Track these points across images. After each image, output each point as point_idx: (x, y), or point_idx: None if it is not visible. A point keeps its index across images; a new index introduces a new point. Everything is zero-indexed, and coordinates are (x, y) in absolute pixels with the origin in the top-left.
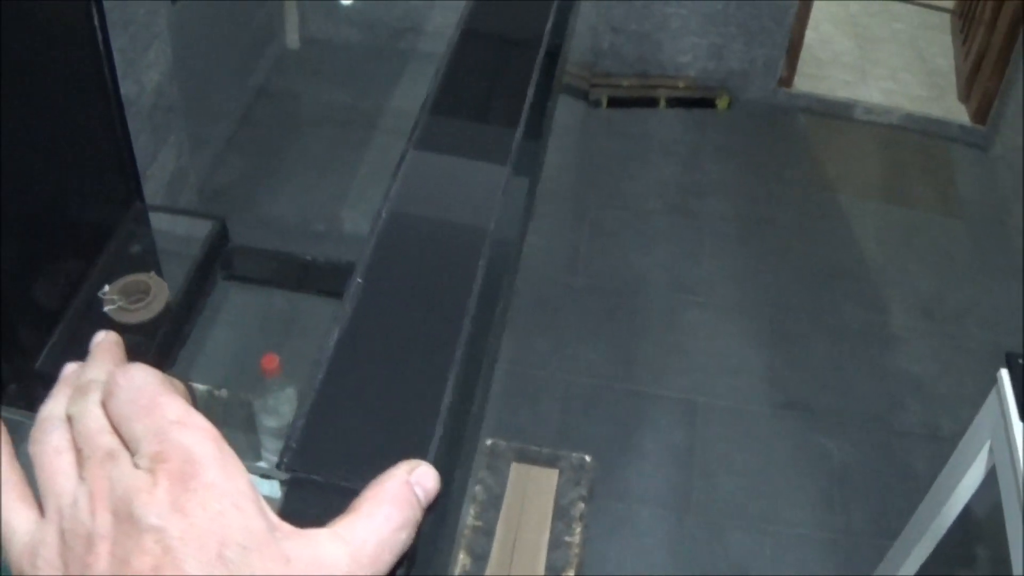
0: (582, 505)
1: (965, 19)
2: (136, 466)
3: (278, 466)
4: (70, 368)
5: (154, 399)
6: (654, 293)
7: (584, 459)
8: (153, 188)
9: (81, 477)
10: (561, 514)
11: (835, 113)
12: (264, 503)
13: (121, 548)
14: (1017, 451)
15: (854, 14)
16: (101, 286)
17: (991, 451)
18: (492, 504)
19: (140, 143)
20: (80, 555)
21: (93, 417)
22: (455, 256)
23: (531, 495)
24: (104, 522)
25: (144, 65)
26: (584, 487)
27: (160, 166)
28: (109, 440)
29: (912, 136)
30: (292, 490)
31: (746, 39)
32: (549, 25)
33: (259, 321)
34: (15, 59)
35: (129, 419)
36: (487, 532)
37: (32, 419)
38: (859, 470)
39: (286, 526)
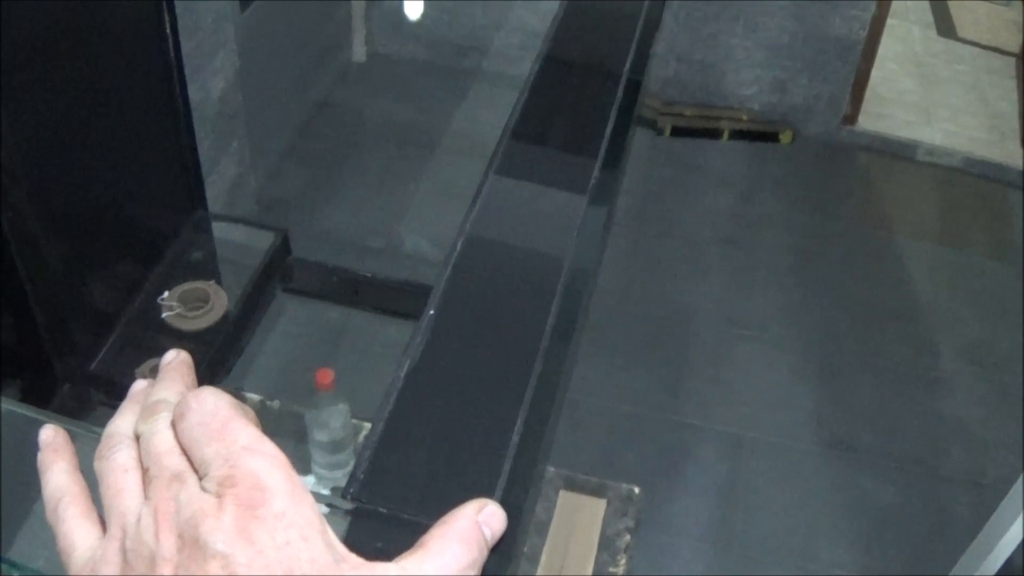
0: (628, 537)
1: None
2: (204, 490)
3: (344, 495)
4: (139, 385)
5: (225, 424)
6: (704, 324)
7: (633, 490)
8: (213, 195)
9: (147, 497)
10: (606, 544)
11: (896, 153)
12: (332, 534)
13: (184, 571)
14: None
15: (918, 53)
16: (160, 292)
17: None
18: (538, 531)
19: (202, 150)
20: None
21: (162, 437)
22: (531, 287)
23: (578, 524)
24: (168, 544)
25: (210, 72)
26: (631, 518)
27: (221, 174)
28: (178, 461)
29: (971, 179)
30: (358, 521)
31: (811, 74)
32: (631, 57)
33: (315, 334)
34: (86, 61)
35: (199, 442)
36: (532, 558)
37: (88, 429)
38: (900, 513)
39: (353, 558)
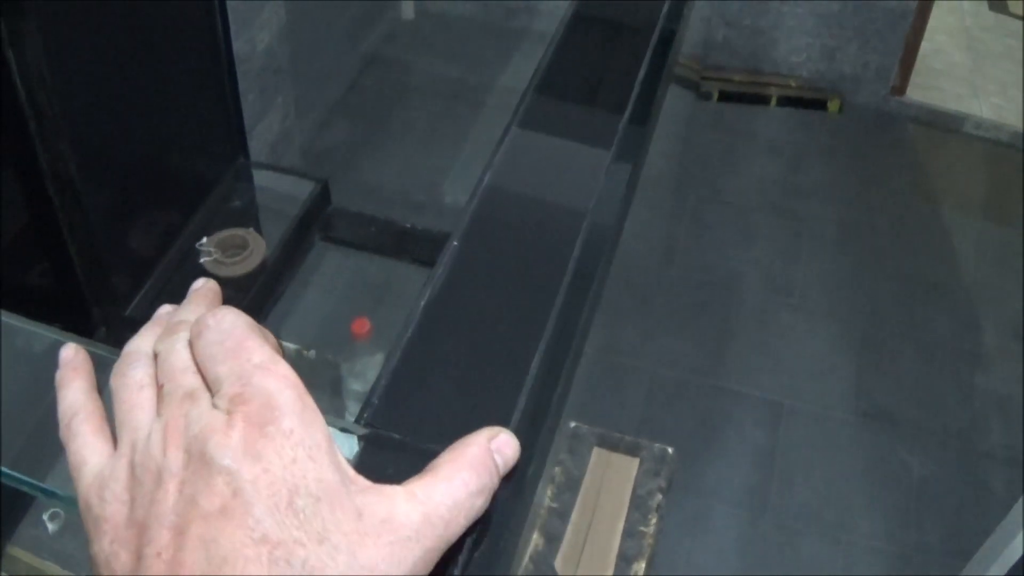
0: (660, 496)
1: None
2: (215, 407)
3: (357, 420)
4: (164, 309)
5: (241, 342)
6: (747, 291)
7: (667, 450)
8: (258, 147)
9: (159, 413)
10: (638, 504)
11: (944, 125)
12: (340, 455)
13: (191, 487)
14: None
15: (969, 27)
16: (199, 238)
17: None
18: (570, 487)
19: (248, 102)
20: (148, 490)
21: (179, 356)
22: (551, 234)
23: (610, 482)
24: (176, 460)
25: (257, 25)
26: (663, 478)
27: (267, 126)
28: (192, 379)
29: (1019, 154)
30: (369, 445)
31: (860, 43)
32: (665, 10)
33: (353, 285)
34: (131, 7)
35: (214, 359)
36: (562, 514)
37: (117, 356)
38: (937, 486)
39: (361, 480)
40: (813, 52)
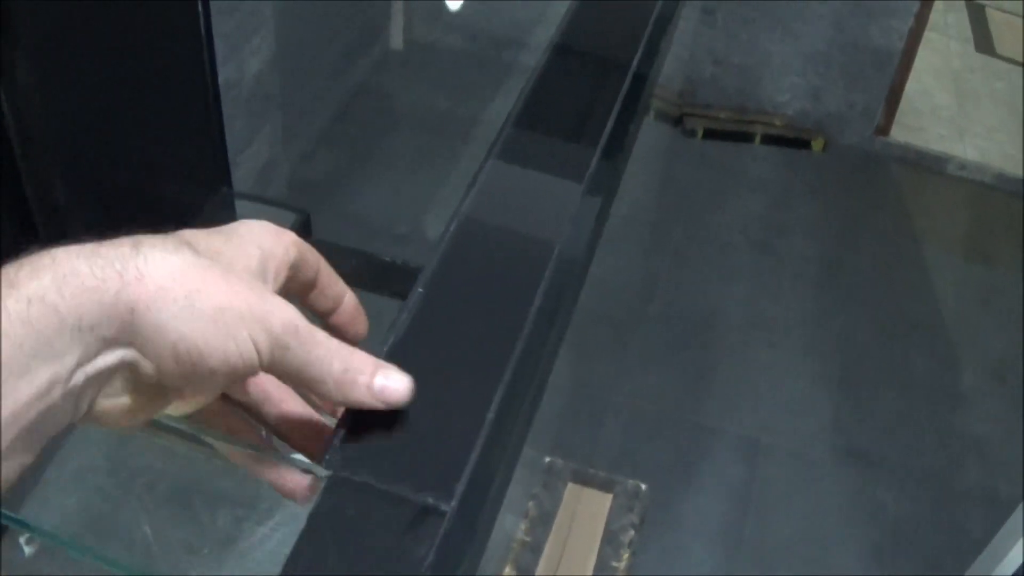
0: (632, 532)
1: None
2: None
3: (320, 463)
4: None
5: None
6: (728, 327)
7: (640, 486)
8: (244, 174)
9: None
10: (610, 539)
11: (928, 166)
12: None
13: None
14: None
15: (955, 67)
16: None
17: None
18: (543, 521)
19: (235, 129)
20: None
21: None
22: (519, 270)
23: (583, 517)
24: None
25: (247, 52)
26: (636, 514)
27: (253, 153)
28: None
29: (1002, 196)
30: (332, 487)
31: (846, 83)
32: (640, 50)
33: None
34: (119, 35)
35: None
36: (535, 549)
37: None
38: (913, 526)
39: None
40: (799, 91)
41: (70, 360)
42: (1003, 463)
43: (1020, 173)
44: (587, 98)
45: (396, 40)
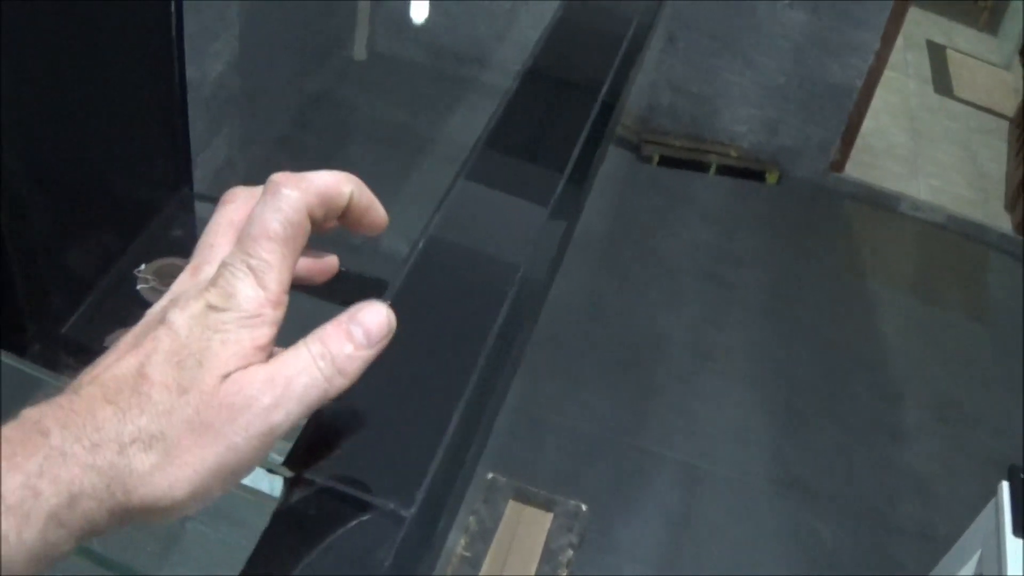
0: (571, 552)
1: (1023, 129)
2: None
3: (284, 464)
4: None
5: (263, 235)
6: (672, 352)
7: (580, 507)
8: (200, 175)
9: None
10: (549, 558)
11: (881, 204)
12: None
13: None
14: (1006, 564)
15: (912, 107)
16: (138, 264)
17: (981, 560)
18: (483, 537)
19: (194, 130)
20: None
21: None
22: (482, 290)
23: (522, 534)
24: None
25: (210, 54)
26: (575, 535)
27: (211, 155)
28: (205, 253)
29: (952, 237)
30: (292, 487)
31: (803, 117)
32: (609, 78)
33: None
34: (85, 29)
35: (242, 232)
36: (473, 563)
37: (54, 379)
38: (849, 559)
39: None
40: (755, 123)
41: (67, 548)
42: (940, 499)
43: (971, 215)
44: (556, 123)
45: (360, 51)
